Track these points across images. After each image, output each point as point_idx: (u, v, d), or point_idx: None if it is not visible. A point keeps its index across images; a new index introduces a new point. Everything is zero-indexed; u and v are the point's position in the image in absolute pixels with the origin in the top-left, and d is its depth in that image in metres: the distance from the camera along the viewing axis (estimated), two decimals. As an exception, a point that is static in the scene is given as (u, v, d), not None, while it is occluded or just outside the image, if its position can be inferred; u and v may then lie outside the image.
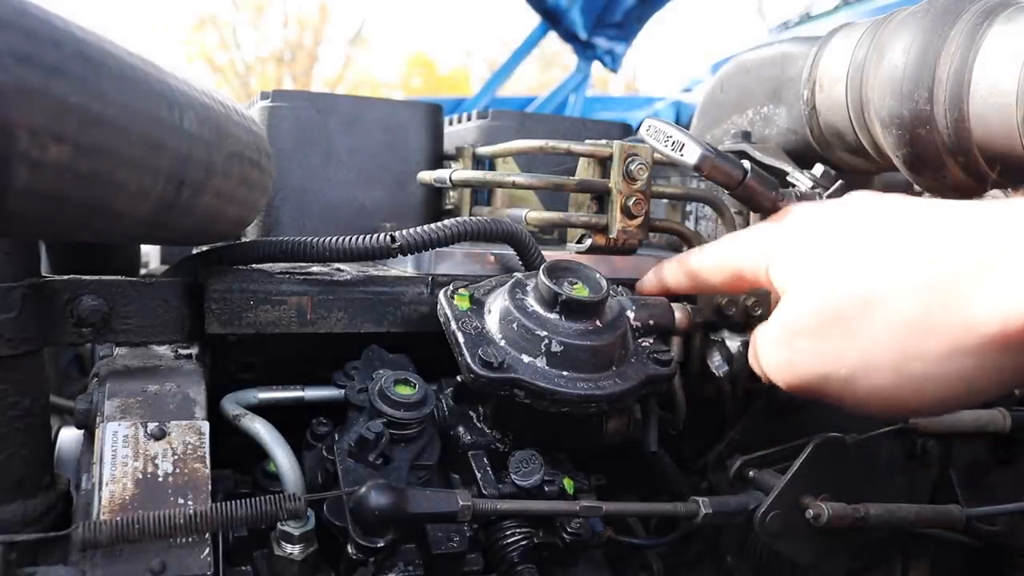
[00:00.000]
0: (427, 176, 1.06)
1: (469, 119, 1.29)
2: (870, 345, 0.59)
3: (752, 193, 0.86)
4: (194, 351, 0.82)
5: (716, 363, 0.91)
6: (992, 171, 0.81)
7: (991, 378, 0.56)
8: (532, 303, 0.78)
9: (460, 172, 1.01)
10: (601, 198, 0.93)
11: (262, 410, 0.78)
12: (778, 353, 0.68)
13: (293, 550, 0.70)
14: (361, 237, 0.79)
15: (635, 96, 5.16)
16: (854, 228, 0.63)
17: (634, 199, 0.91)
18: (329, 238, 0.80)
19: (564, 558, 0.80)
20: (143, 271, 1.32)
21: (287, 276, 0.83)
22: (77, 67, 0.46)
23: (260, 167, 0.76)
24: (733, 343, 0.92)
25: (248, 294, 0.80)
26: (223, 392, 0.80)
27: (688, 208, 1.16)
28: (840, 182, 0.92)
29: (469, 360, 0.73)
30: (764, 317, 0.98)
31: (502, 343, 0.76)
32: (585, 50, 3.95)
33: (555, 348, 0.75)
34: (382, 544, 0.69)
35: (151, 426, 0.69)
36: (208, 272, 0.80)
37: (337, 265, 0.93)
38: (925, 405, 0.59)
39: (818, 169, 0.94)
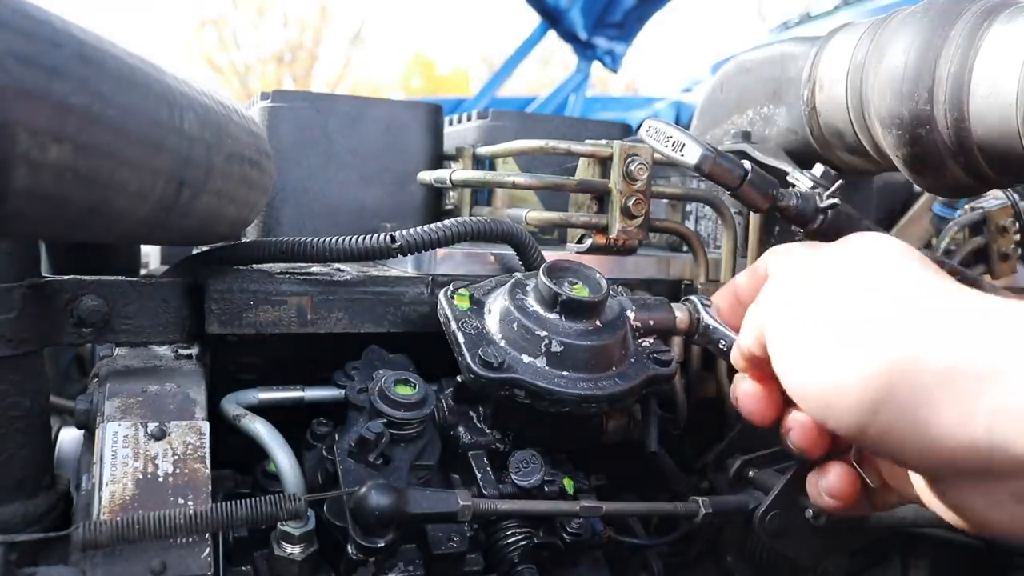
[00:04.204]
0: (427, 176, 1.06)
1: (469, 119, 1.29)
2: None
3: (752, 193, 0.86)
4: (194, 351, 0.82)
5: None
6: (992, 171, 0.81)
7: None
8: (532, 303, 0.78)
9: (460, 172, 1.01)
10: (601, 198, 0.93)
11: (262, 410, 0.78)
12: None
13: (293, 550, 0.70)
14: (361, 237, 0.79)
15: (635, 96, 5.16)
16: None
17: (634, 199, 0.91)
18: (329, 238, 0.80)
19: (564, 558, 0.80)
20: (143, 271, 1.32)
21: (287, 276, 0.83)
22: (77, 68, 0.46)
23: (260, 167, 0.76)
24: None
25: (248, 294, 0.80)
26: (223, 392, 0.80)
27: (688, 208, 1.17)
28: (840, 182, 0.92)
29: (469, 360, 0.73)
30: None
31: (502, 343, 0.76)
32: (585, 50, 3.95)
33: (555, 348, 0.74)
34: (382, 544, 0.69)
35: (151, 426, 0.69)
36: (208, 272, 0.80)
37: (337, 265, 0.93)
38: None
39: (818, 169, 0.94)
